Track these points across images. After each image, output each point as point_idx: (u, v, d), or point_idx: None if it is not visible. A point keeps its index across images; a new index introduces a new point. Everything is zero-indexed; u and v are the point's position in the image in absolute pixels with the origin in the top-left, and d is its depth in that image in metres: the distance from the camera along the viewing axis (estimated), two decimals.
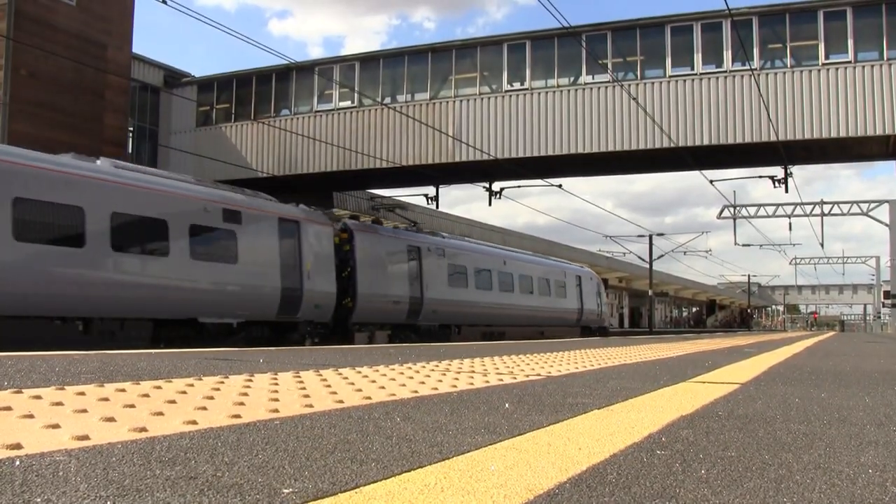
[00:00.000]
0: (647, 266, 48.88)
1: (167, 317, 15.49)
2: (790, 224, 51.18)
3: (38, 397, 3.58)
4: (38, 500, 1.76)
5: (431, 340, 21.00)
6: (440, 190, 28.40)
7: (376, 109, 25.99)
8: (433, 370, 6.22)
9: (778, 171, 25.18)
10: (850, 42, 21.57)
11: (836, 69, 21.68)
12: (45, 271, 13.20)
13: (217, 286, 16.52)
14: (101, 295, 14.08)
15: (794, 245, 68.21)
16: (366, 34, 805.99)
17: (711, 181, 27.92)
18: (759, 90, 21.59)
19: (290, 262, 18.31)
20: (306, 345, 17.76)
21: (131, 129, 28.85)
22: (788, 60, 22.25)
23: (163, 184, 15.94)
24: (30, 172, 13.19)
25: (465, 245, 27.19)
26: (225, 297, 16.68)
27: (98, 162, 15.30)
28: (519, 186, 28.67)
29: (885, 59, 21.29)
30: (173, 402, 3.60)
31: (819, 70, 21.85)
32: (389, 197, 36.49)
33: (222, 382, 4.61)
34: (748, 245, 61.07)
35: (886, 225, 48.34)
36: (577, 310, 33.31)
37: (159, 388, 4.22)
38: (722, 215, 46.20)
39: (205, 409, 3.38)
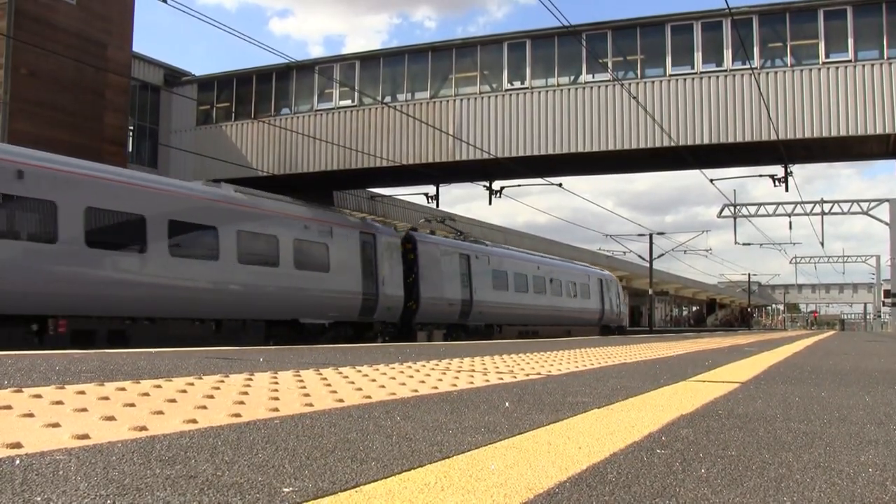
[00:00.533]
0: (648, 265, 48.87)
1: (276, 318, 18.16)
2: (790, 223, 51.23)
3: (39, 396, 3.58)
4: (39, 499, 1.76)
5: (478, 338, 24.02)
6: (440, 189, 28.44)
7: (376, 108, 25.98)
8: (433, 369, 6.23)
9: (778, 170, 25.19)
10: (851, 41, 21.56)
11: (837, 68, 21.66)
12: (194, 281, 16.26)
13: (314, 292, 19.23)
14: (231, 301, 17.00)
15: (794, 244, 68.22)
16: (367, 33, 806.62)
17: (711, 180, 27.95)
18: (760, 89, 21.58)
19: (369, 270, 21.12)
20: (378, 342, 20.39)
21: (131, 127, 28.83)
22: (789, 59, 22.24)
23: (274, 206, 18.99)
24: (190, 201, 16.56)
25: (505, 252, 30.15)
26: (320, 301, 19.39)
27: (221, 186, 18.39)
28: (519, 185, 28.69)
29: (885, 58, 21.28)
30: (173, 401, 3.60)
31: (819, 69, 21.84)
32: (390, 196, 36.54)
33: (222, 381, 4.61)
34: (748, 244, 61.18)
35: (886, 224, 48.34)
36: (600, 310, 36.11)
37: (159, 387, 4.22)
38: (722, 214, 46.21)
39: (205, 407, 3.38)
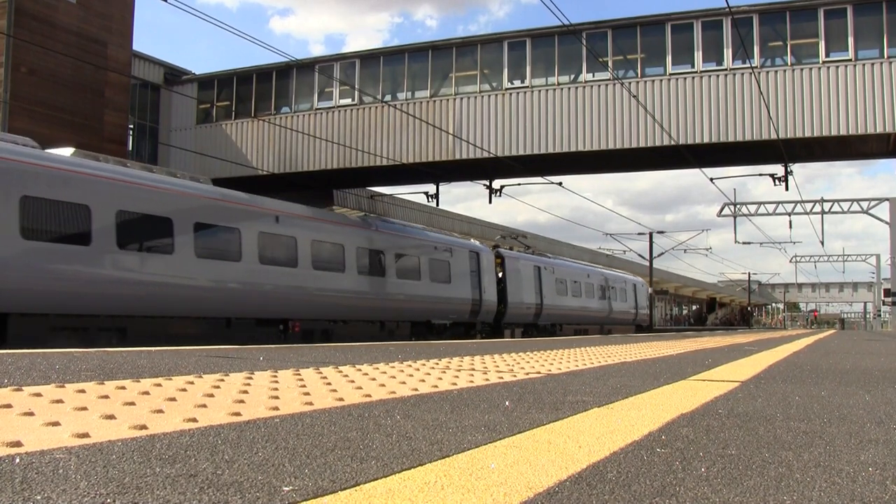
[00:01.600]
0: (647, 264, 48.87)
1: (417, 319, 23.24)
2: (790, 222, 51.19)
3: (39, 395, 3.58)
4: (39, 497, 1.76)
5: (545, 335, 28.99)
6: (440, 187, 28.46)
7: (377, 107, 25.98)
8: (433, 368, 6.23)
9: (778, 170, 25.19)
10: (851, 40, 21.55)
11: (837, 67, 21.66)
12: (376, 294, 21.53)
13: (442, 299, 24.31)
14: (394, 307, 22.20)
15: (794, 243, 68.12)
16: (368, 32, 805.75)
17: (712, 179, 27.95)
18: (760, 88, 21.57)
19: (476, 281, 26.04)
20: (476, 338, 24.58)
21: (131, 126, 28.83)
22: (789, 58, 22.23)
23: (416, 233, 24.84)
24: (320, 225, 20.40)
25: (565, 263, 35.72)
26: (445, 306, 24.50)
27: (358, 214, 25.10)
28: (519, 184, 28.72)
29: (885, 56, 21.27)
30: (173, 399, 3.60)
31: (819, 68, 21.84)
32: (390, 195, 36.53)
33: (222, 380, 4.61)
34: (748, 243, 61.11)
35: (887, 223, 48.34)
36: (635, 311, 42.32)
37: (159, 385, 4.22)
38: (722, 213, 46.21)
39: (205, 406, 3.38)
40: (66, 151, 14.82)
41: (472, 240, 30.03)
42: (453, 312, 24.87)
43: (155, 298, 15.14)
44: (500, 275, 27.97)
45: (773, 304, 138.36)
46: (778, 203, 48.07)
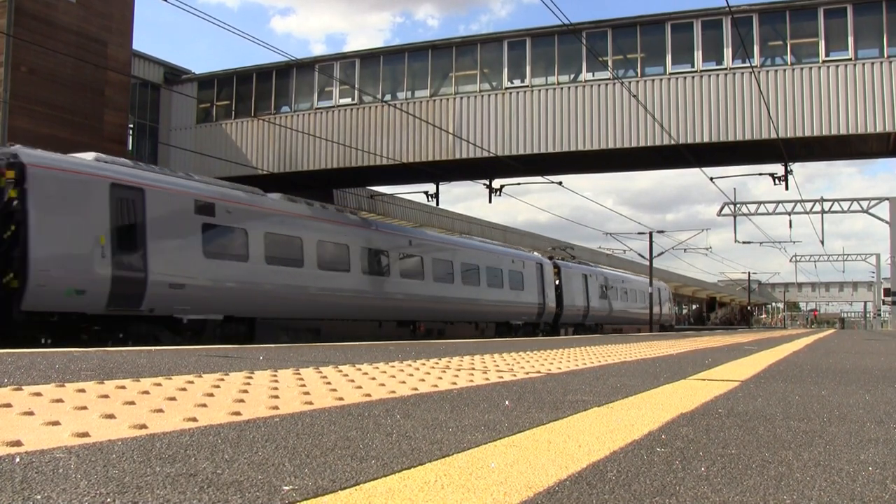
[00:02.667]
0: (647, 263, 48.83)
1: (500, 320, 28.24)
2: (790, 221, 51.17)
3: (39, 394, 3.58)
4: (38, 497, 1.76)
5: (590, 332, 34.37)
6: (440, 187, 28.46)
7: (377, 106, 25.98)
8: (433, 367, 6.23)
9: (778, 169, 25.18)
10: (851, 39, 21.54)
11: (837, 66, 21.65)
12: (476, 300, 26.52)
13: (517, 304, 29.33)
14: (486, 310, 27.22)
15: (794, 242, 67.94)
16: (369, 32, 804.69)
17: (712, 178, 27.94)
18: (760, 87, 21.56)
19: (540, 288, 31.06)
20: (539, 335, 29.30)
21: (131, 126, 28.82)
22: (789, 58, 22.22)
23: (500, 249, 30.15)
24: (440, 245, 25.68)
25: (605, 272, 40.95)
26: (520, 309, 29.54)
27: (465, 238, 30.84)
28: (519, 184, 28.73)
29: (885, 56, 21.26)
30: (173, 399, 3.60)
31: (819, 67, 21.83)
32: (390, 195, 36.54)
33: (222, 380, 4.61)
34: (748, 242, 60.83)
35: (886, 222, 48.32)
36: (659, 313, 47.78)
37: (159, 385, 4.22)
38: (722, 213, 46.19)
39: (205, 406, 3.39)
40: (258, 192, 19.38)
41: (534, 252, 35.30)
42: (525, 314, 30.04)
43: (339, 306, 20.30)
44: (557, 282, 33.07)
45: (773, 304, 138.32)
46: (778, 202, 48.04)
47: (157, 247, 15.36)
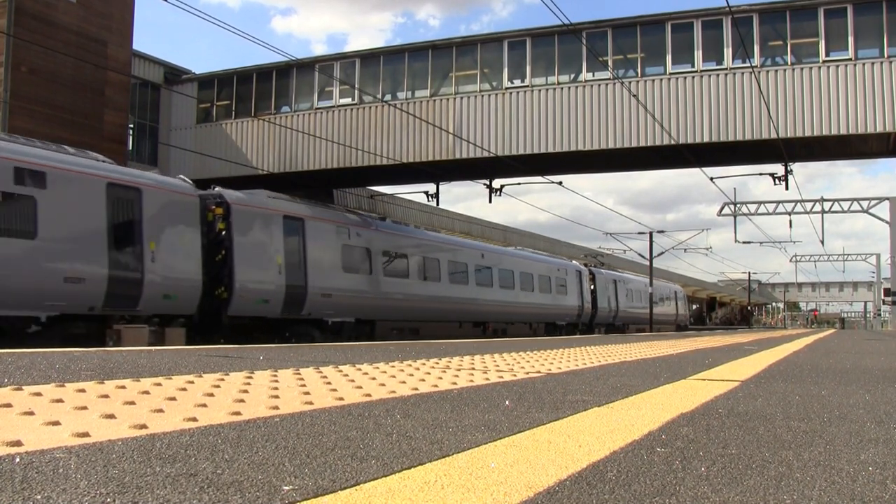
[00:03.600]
0: (647, 263, 48.82)
1: (549, 321, 32.90)
2: (790, 221, 51.16)
3: (39, 394, 3.58)
4: (39, 497, 1.76)
5: (617, 331, 39.06)
6: (441, 187, 28.45)
7: (377, 106, 25.97)
8: (433, 367, 6.23)
9: (778, 169, 25.17)
10: (851, 39, 21.54)
11: (837, 66, 21.64)
12: (531, 304, 31.39)
13: (562, 306, 34.40)
14: (539, 312, 31.91)
15: (794, 242, 67.99)
16: (370, 32, 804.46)
17: (712, 178, 27.93)
18: (760, 87, 21.56)
19: (579, 292, 36.21)
20: (577, 334, 33.68)
21: (131, 126, 28.82)
22: (789, 58, 22.21)
23: (547, 258, 35.59)
24: (502, 258, 30.35)
25: (630, 277, 46.57)
26: (564, 311, 34.47)
27: (520, 249, 35.54)
28: (519, 184, 28.73)
29: (885, 56, 21.25)
30: (173, 399, 3.60)
31: (819, 67, 21.82)
32: (390, 195, 36.54)
33: (222, 380, 4.61)
34: (748, 242, 60.76)
35: (887, 222, 48.31)
36: (675, 314, 53.03)
37: (159, 385, 4.22)
38: (722, 213, 46.17)
39: (205, 406, 3.39)
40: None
41: (573, 261, 39.61)
42: (567, 316, 34.84)
43: (433, 310, 24.43)
44: (592, 287, 37.74)
45: (773, 304, 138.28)
46: (778, 202, 48.03)
47: (314, 264, 19.54)
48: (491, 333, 27.25)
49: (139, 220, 15.44)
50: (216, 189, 18.01)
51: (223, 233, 17.20)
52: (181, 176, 18.19)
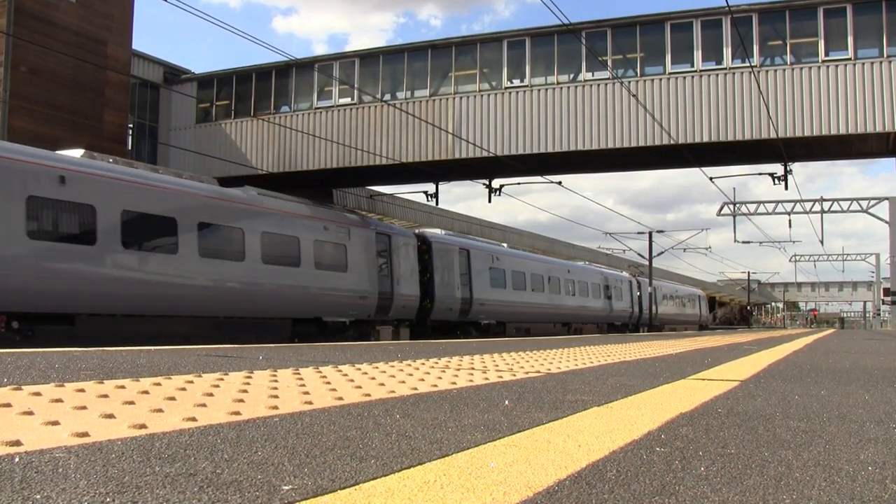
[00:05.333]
0: (647, 263, 48.83)
1: (609, 322, 39.28)
2: (790, 221, 51.24)
3: (38, 394, 3.58)
4: (38, 496, 1.76)
5: (653, 330, 44.07)
6: (441, 187, 28.44)
7: (376, 106, 25.97)
8: (433, 367, 6.22)
9: (778, 169, 25.17)
10: (850, 39, 21.54)
11: (836, 66, 21.64)
12: (586, 307, 37.19)
13: (619, 309, 40.90)
14: (590, 314, 37.02)
15: (794, 242, 68.18)
16: (371, 32, 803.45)
17: (711, 178, 27.93)
18: (759, 87, 21.56)
19: (629, 298, 42.89)
20: (627, 332, 39.06)
21: (131, 125, 28.82)
22: (788, 57, 22.21)
23: (608, 273, 41.21)
24: (572, 267, 37.43)
25: (664, 283, 52.79)
26: (617, 313, 40.45)
27: (626, 274, 45.10)
28: (519, 183, 28.74)
29: (885, 56, 21.25)
30: (173, 398, 3.60)
31: (819, 67, 21.82)
32: (390, 195, 36.53)
33: (221, 379, 4.61)
34: (748, 242, 60.83)
35: (886, 222, 48.34)
36: (699, 315, 58.97)
37: (159, 384, 4.22)
38: (722, 212, 46.20)
39: (204, 405, 3.38)
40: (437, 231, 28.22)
41: (623, 272, 45.69)
42: (622, 317, 41.38)
43: (540, 314, 31.47)
44: (638, 294, 44.44)
45: (773, 304, 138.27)
46: (777, 202, 48.09)
47: (475, 283, 26.31)
48: (573, 331, 34.32)
49: (390, 258, 22.35)
50: (420, 231, 26.09)
51: (427, 263, 24.18)
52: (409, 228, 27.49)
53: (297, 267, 18.47)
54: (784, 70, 22.12)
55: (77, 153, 15.04)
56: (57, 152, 14.73)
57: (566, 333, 32.23)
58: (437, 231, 27.36)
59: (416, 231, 25.96)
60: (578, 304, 35.50)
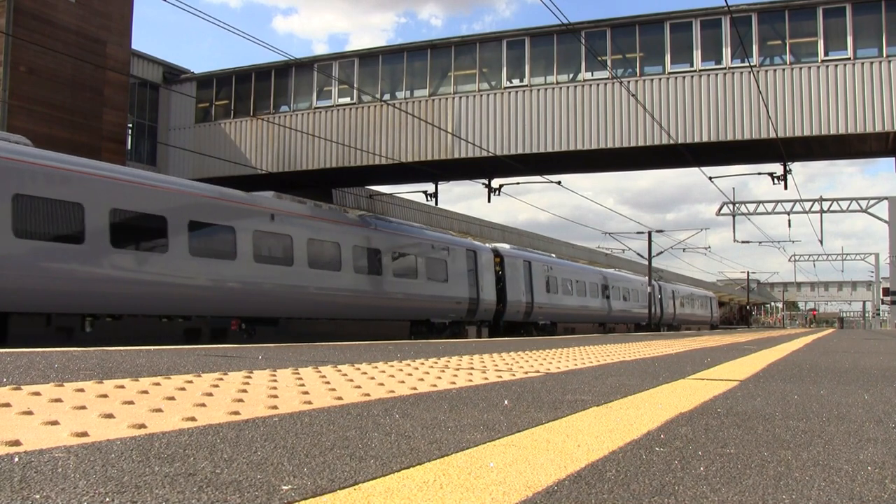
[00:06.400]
0: (647, 263, 48.87)
1: (628, 321, 42.47)
2: (789, 221, 51.31)
3: (37, 394, 3.57)
4: (37, 496, 1.76)
5: (675, 331, 47.53)
6: (440, 186, 28.45)
7: (375, 106, 25.97)
8: (432, 367, 6.22)
9: (778, 168, 25.18)
10: (850, 39, 21.55)
11: (836, 66, 21.66)
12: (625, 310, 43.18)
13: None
14: (627, 317, 42.81)
15: (793, 242, 68.30)
16: (372, 32, 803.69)
17: (711, 178, 27.93)
18: (759, 87, 21.57)
19: (653, 300, 45.78)
20: (656, 330, 44.18)
21: (130, 125, 28.81)
22: (788, 57, 22.23)
23: (634, 278, 46.82)
24: (624, 276, 45.18)
25: (683, 287, 58.32)
26: (637, 315, 44.12)
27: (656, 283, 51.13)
28: (518, 183, 28.75)
29: (884, 55, 21.27)
30: (172, 398, 3.60)
31: (818, 67, 21.84)
32: (389, 194, 36.53)
33: (221, 379, 4.61)
34: (747, 242, 60.91)
35: (886, 222, 48.36)
36: (711, 316, 64.03)
37: (158, 384, 4.22)
38: (721, 212, 46.22)
39: (204, 405, 3.38)
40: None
41: (645, 277, 49.21)
42: (645, 318, 44.53)
43: (581, 315, 35.59)
44: (660, 297, 48.78)
45: (772, 303, 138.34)
46: (777, 202, 48.11)
47: (536, 288, 30.28)
48: (607, 330, 38.39)
49: (475, 269, 26.06)
50: (493, 245, 29.93)
51: (500, 272, 27.86)
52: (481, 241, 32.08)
53: (416, 279, 22.98)
54: (783, 70, 22.12)
55: (268, 194, 19.42)
56: (256, 194, 19.09)
57: (602, 332, 36.79)
58: (506, 245, 31.68)
59: (491, 246, 29.42)
60: (615, 307, 40.14)
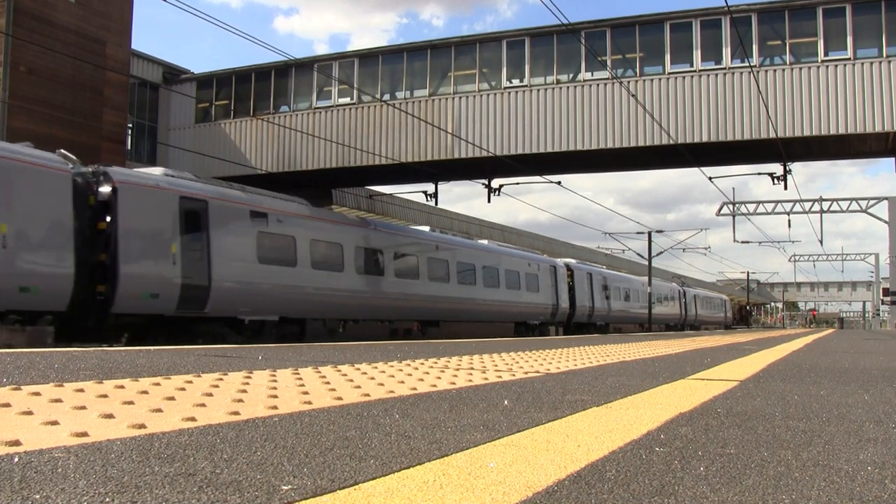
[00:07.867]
0: (646, 263, 48.86)
1: (664, 322, 51.02)
2: (789, 221, 51.33)
3: (37, 394, 3.57)
4: (37, 496, 1.76)
5: (694, 330, 52.88)
6: (440, 186, 28.44)
7: (375, 106, 25.96)
8: (432, 367, 6.22)
9: (777, 168, 25.17)
10: (850, 39, 21.55)
11: (836, 66, 21.65)
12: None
13: (669, 314, 52.91)
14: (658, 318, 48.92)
15: (793, 242, 68.49)
16: (373, 32, 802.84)
17: (711, 178, 27.92)
18: (759, 87, 21.56)
19: (680, 304, 54.49)
20: (674, 330, 47.54)
21: (130, 125, 28.80)
22: (787, 57, 22.22)
23: (690, 291, 60.11)
24: (660, 284, 52.70)
25: (700, 292, 63.70)
26: (667, 317, 51.59)
27: (675, 284, 58.45)
28: (518, 183, 28.74)
29: (884, 55, 21.27)
30: (172, 398, 3.60)
31: (818, 67, 21.83)
32: (389, 194, 36.53)
33: (221, 379, 4.61)
34: (747, 242, 60.93)
35: (886, 222, 48.36)
36: (724, 316, 69.22)
37: (158, 384, 4.22)
38: (721, 212, 46.21)
39: (203, 405, 3.38)
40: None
41: (672, 282, 56.49)
42: (675, 319, 51.91)
43: (627, 317, 41.38)
44: (684, 300, 55.07)
45: (772, 304, 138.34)
46: (777, 202, 48.10)
47: (595, 296, 36.16)
48: (644, 329, 42.65)
49: (555, 281, 31.70)
50: (565, 261, 34.97)
51: (570, 283, 33.64)
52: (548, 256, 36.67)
53: (518, 290, 28.95)
54: (783, 70, 22.12)
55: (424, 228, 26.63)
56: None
57: (641, 331, 41.34)
58: (573, 261, 37.56)
59: (563, 261, 35.09)
60: (653, 311, 45.71)
